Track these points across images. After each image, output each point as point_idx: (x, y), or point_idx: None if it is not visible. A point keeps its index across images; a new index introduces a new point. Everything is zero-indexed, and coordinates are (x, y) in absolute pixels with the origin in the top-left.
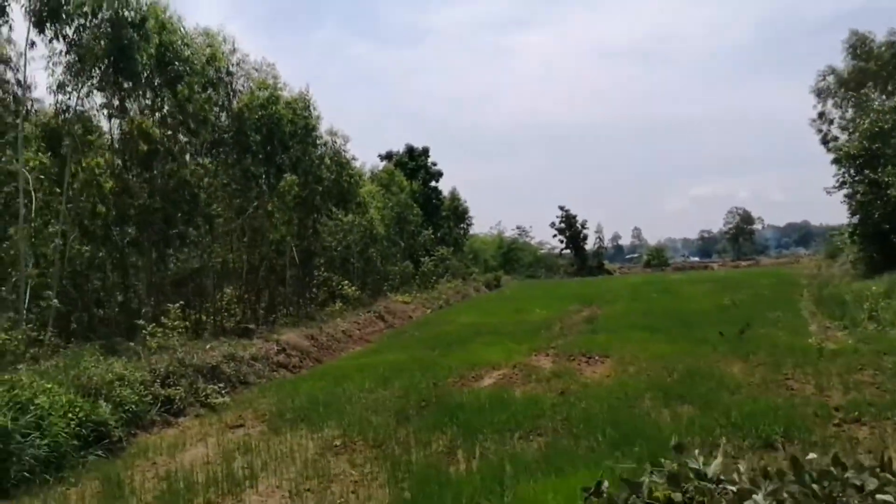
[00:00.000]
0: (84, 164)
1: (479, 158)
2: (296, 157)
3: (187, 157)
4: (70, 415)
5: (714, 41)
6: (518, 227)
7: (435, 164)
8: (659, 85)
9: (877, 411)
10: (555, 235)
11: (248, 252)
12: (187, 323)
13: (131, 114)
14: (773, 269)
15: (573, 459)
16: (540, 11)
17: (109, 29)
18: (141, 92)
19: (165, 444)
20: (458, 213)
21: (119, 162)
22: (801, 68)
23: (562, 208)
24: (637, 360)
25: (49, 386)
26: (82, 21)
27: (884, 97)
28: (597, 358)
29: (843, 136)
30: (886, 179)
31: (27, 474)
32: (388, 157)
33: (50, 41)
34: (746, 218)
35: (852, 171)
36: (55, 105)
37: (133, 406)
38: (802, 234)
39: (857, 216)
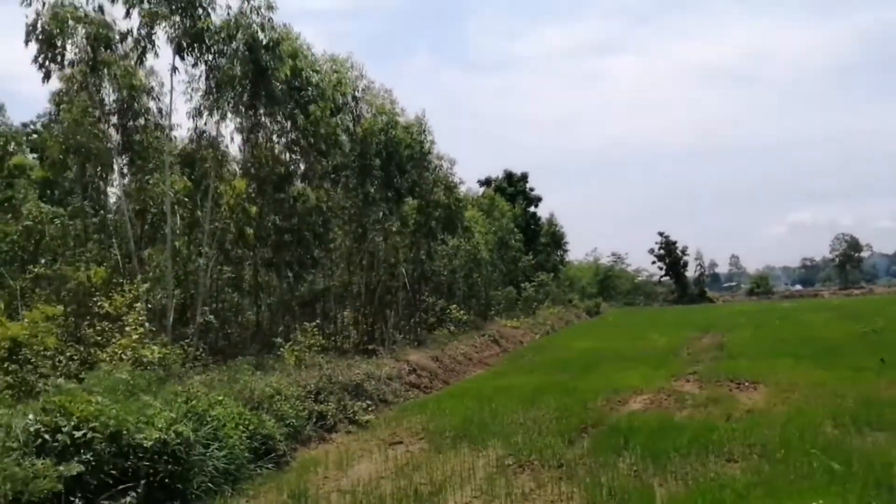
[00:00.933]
0: (224, 188)
1: (571, 183)
2: (412, 181)
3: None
4: (241, 427)
5: (811, 60)
6: (613, 254)
7: (532, 190)
8: (753, 107)
9: None
10: (654, 262)
11: (366, 275)
12: (324, 341)
13: (260, 138)
14: (892, 296)
15: (794, 487)
16: (628, 36)
17: (247, 52)
18: (273, 116)
19: (331, 459)
20: (556, 239)
21: (254, 185)
22: None
23: (661, 234)
24: (795, 386)
25: (221, 398)
26: (221, 46)
27: None
28: (747, 384)
29: None
30: None
31: (210, 485)
32: (486, 182)
33: (193, 65)
34: (854, 244)
35: None
36: (194, 130)
37: (293, 420)
38: None
39: None
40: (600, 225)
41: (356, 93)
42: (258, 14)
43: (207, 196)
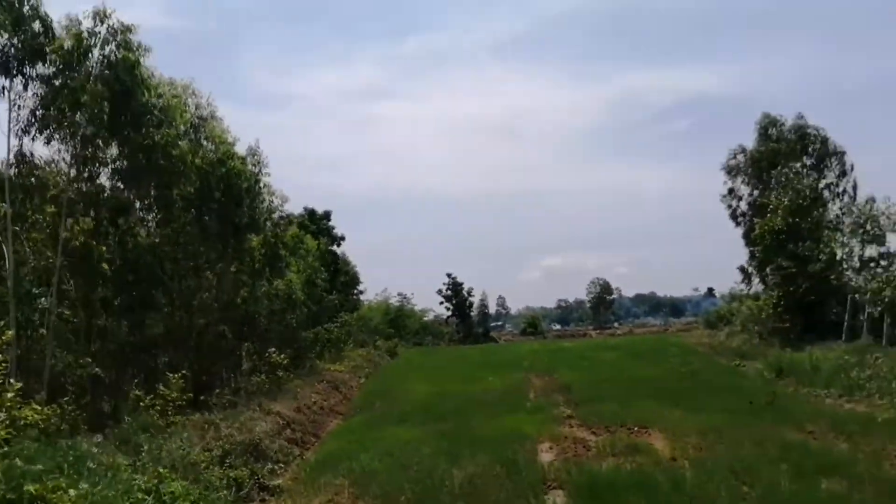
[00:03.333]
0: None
1: (351, 225)
2: (249, 216)
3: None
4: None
5: (568, 121)
6: (400, 294)
7: (334, 228)
8: (516, 160)
9: None
10: (441, 303)
11: (197, 317)
12: (190, 395)
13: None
14: (652, 336)
15: None
16: (399, 84)
17: (106, 72)
18: (110, 142)
19: None
20: (352, 279)
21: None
22: (641, 152)
23: (449, 275)
24: (689, 431)
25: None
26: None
27: (804, 174)
28: (636, 429)
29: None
30: (807, 254)
31: None
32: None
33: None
34: (606, 288)
35: (767, 246)
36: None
37: (221, 492)
38: (652, 304)
39: (777, 289)
40: (386, 266)
41: (195, 120)
42: (113, 33)
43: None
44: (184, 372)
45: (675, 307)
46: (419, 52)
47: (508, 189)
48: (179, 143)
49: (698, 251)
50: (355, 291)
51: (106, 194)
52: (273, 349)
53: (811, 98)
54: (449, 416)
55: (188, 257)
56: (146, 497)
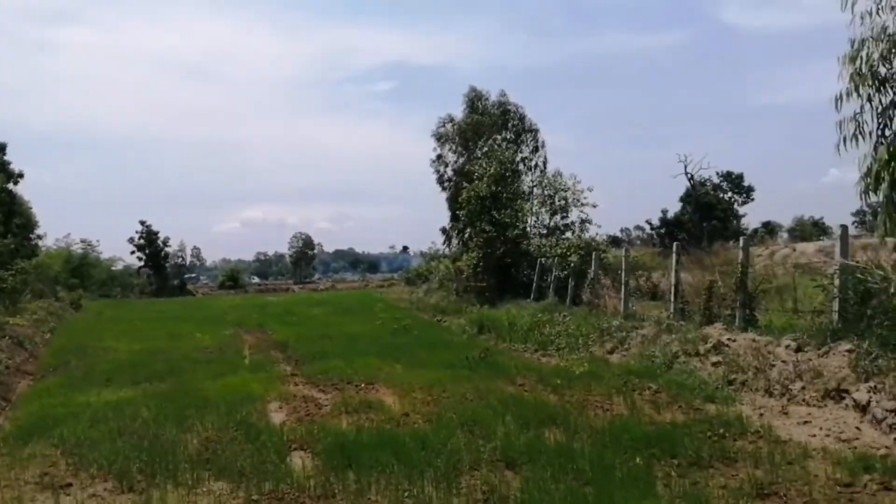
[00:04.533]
0: None
1: (27, 162)
2: None
3: None
4: None
5: (271, 70)
6: (84, 241)
7: (10, 164)
8: (212, 105)
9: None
10: (133, 252)
11: None
12: None
13: None
14: (355, 292)
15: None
16: (85, 8)
17: None
18: None
19: None
20: (29, 223)
21: None
22: (345, 109)
23: (143, 223)
24: (413, 386)
25: None
26: None
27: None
28: (364, 385)
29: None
30: (507, 220)
31: None
32: None
33: None
34: (308, 243)
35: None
36: None
37: None
38: (351, 260)
39: (478, 251)
40: (69, 210)
41: None
42: None
43: None
44: None
45: (371, 264)
46: None
47: (205, 135)
48: None
49: (394, 210)
50: (32, 236)
51: None
52: None
53: (503, 75)
54: (163, 376)
55: None
56: None
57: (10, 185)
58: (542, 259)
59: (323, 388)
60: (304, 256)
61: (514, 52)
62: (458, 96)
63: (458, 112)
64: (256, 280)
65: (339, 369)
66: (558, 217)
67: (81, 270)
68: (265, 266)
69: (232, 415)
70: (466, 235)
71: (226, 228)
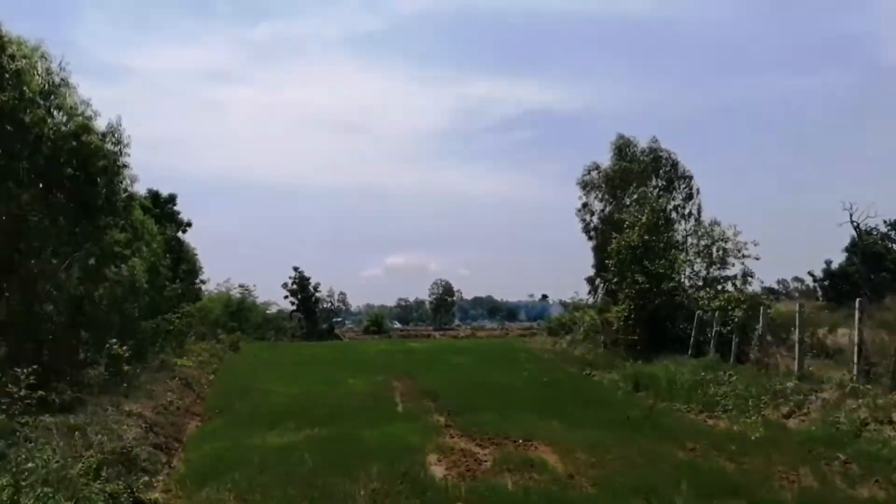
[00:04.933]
0: None
1: (192, 212)
2: (105, 198)
3: None
4: None
5: (415, 122)
6: (241, 286)
7: (179, 213)
8: (361, 157)
9: None
10: (286, 297)
11: (43, 304)
12: (41, 392)
13: None
14: (496, 340)
15: None
16: (247, 70)
17: None
18: None
19: None
20: (193, 268)
21: None
22: (485, 158)
23: (296, 269)
24: (574, 447)
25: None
26: None
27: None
28: (521, 442)
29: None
30: (661, 271)
31: None
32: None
33: None
34: (448, 290)
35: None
36: None
37: None
38: (489, 308)
39: (629, 302)
40: (228, 256)
41: (47, 87)
42: None
43: None
44: (35, 366)
45: (510, 311)
46: (271, 39)
47: (354, 185)
48: (31, 109)
49: (534, 258)
50: (197, 281)
51: None
52: (114, 340)
53: (644, 121)
54: (322, 422)
55: (32, 238)
56: None
57: (179, 234)
58: (700, 312)
59: (479, 442)
60: (444, 303)
61: (656, 98)
62: (599, 143)
63: (604, 159)
64: (398, 325)
65: (494, 423)
66: (715, 268)
67: (239, 314)
68: (406, 312)
69: (394, 466)
70: (615, 286)
71: (370, 274)
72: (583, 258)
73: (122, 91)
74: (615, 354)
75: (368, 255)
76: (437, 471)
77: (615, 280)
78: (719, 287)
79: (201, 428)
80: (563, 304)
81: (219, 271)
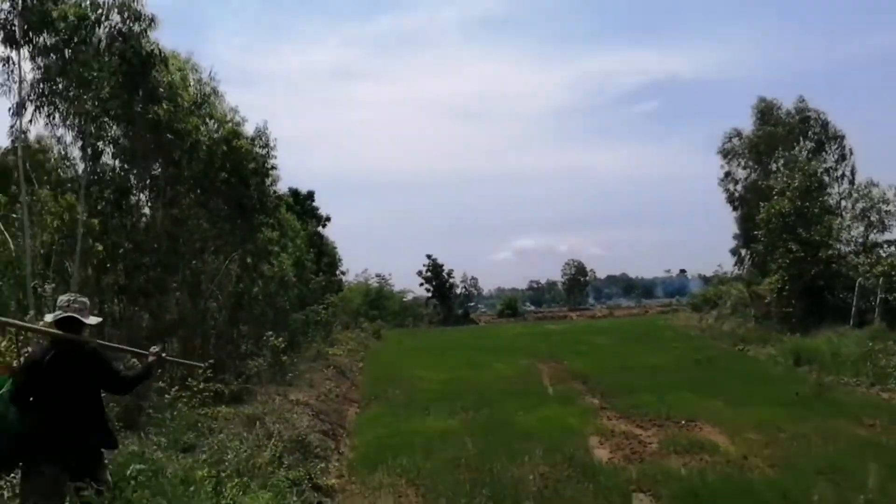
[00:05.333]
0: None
1: (326, 207)
2: (257, 198)
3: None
4: None
5: (534, 102)
6: (378, 276)
7: (318, 209)
8: (485, 141)
9: None
10: (422, 284)
11: (207, 301)
12: (219, 385)
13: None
14: (636, 319)
15: None
16: (369, 64)
17: (122, 43)
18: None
19: None
20: (333, 261)
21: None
22: (610, 134)
23: (429, 256)
24: (742, 427)
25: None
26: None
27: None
28: (684, 423)
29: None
30: (817, 238)
31: None
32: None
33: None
34: (581, 269)
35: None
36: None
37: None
38: (624, 286)
39: (783, 273)
40: (361, 247)
41: (199, 98)
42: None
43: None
44: (211, 360)
45: (646, 288)
46: (390, 32)
47: (478, 169)
48: (189, 118)
49: (668, 233)
50: (337, 273)
51: (109, 175)
52: (269, 333)
53: (794, 80)
54: (476, 407)
55: (194, 239)
56: None
57: (319, 228)
58: (861, 280)
59: (640, 423)
60: (577, 283)
61: (798, 56)
62: (734, 109)
63: (742, 125)
64: (531, 308)
65: (652, 404)
66: (875, 232)
67: (378, 302)
68: (538, 294)
69: (557, 450)
70: (765, 257)
71: (500, 258)
72: (723, 229)
73: (253, 95)
74: (768, 328)
75: (497, 239)
76: (601, 454)
77: (765, 250)
78: (882, 252)
79: (360, 414)
80: (704, 279)
81: (356, 263)
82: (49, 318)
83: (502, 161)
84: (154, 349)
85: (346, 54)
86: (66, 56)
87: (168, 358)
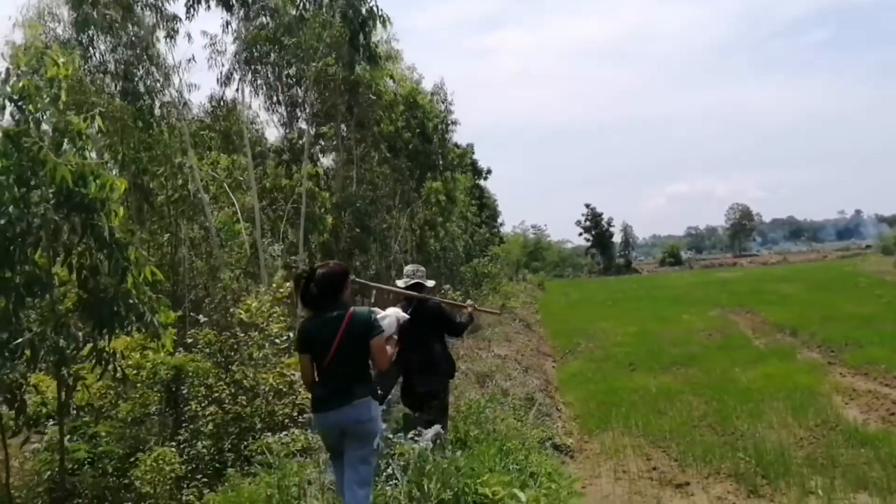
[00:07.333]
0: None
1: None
2: (437, 157)
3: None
4: None
5: (692, 39)
6: (534, 227)
7: (477, 162)
8: (634, 83)
9: None
10: (581, 234)
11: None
12: None
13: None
14: (816, 264)
15: None
16: (515, 11)
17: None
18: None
19: None
20: (493, 213)
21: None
22: (774, 68)
23: (588, 206)
24: None
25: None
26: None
27: None
28: None
29: None
30: None
31: None
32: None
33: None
34: (746, 214)
35: None
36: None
37: None
38: (793, 230)
39: None
40: (514, 198)
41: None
42: None
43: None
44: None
45: (814, 232)
46: None
47: (630, 114)
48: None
49: (838, 172)
50: (496, 225)
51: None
52: (447, 286)
53: None
54: (683, 362)
55: (381, 196)
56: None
57: (480, 181)
58: None
59: (884, 381)
60: (742, 228)
61: None
62: None
63: None
64: (691, 254)
65: (886, 359)
66: None
67: (536, 254)
68: (697, 240)
69: (801, 410)
70: None
71: (652, 205)
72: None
73: (410, 52)
74: None
75: (649, 185)
76: (852, 415)
77: None
78: None
79: (560, 369)
80: (882, 219)
81: (511, 214)
82: (400, 283)
83: (655, 104)
84: (469, 302)
85: (489, 4)
86: (293, 14)
87: (478, 308)
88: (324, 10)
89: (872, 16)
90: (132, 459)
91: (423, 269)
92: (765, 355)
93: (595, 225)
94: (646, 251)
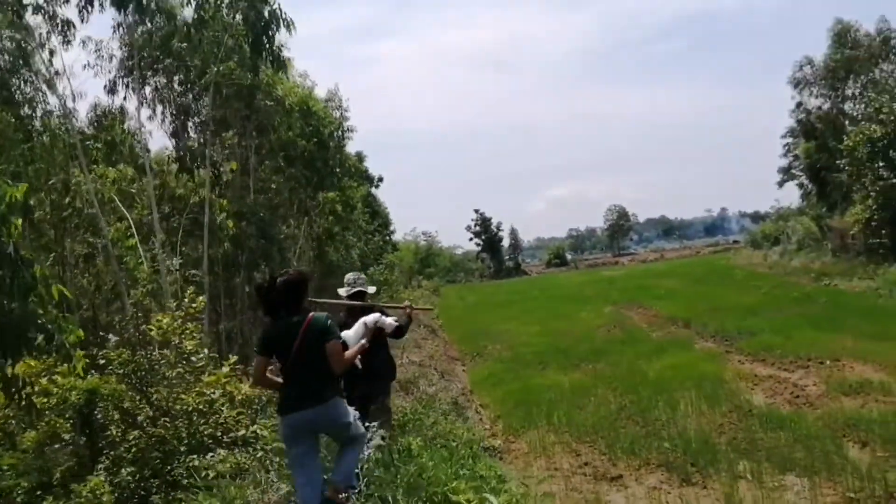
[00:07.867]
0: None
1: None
2: (332, 165)
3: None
4: None
5: (560, 46)
6: (425, 233)
7: (367, 169)
8: (509, 91)
9: None
10: (471, 239)
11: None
12: None
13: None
14: (692, 260)
15: None
16: (391, 21)
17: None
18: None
19: None
20: (384, 221)
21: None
22: (642, 73)
23: (477, 211)
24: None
25: None
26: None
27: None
28: (829, 362)
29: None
30: None
31: None
32: None
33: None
34: (623, 214)
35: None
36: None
37: None
38: (665, 229)
39: (871, 202)
40: (402, 205)
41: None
42: None
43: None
44: None
45: (684, 229)
46: None
47: (505, 121)
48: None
49: (703, 171)
50: (388, 232)
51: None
52: None
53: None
54: (589, 358)
55: (279, 207)
56: None
57: (372, 189)
58: None
59: (781, 366)
60: (620, 229)
61: None
62: (772, 40)
63: (816, 52)
64: (572, 255)
65: (779, 345)
66: None
67: (429, 260)
68: (579, 241)
69: (712, 398)
70: (850, 187)
71: (535, 208)
72: (766, 166)
73: (298, 59)
74: (850, 262)
75: (530, 190)
76: (760, 399)
77: (849, 179)
78: None
79: (471, 372)
80: (745, 215)
81: (403, 222)
82: (342, 291)
83: (529, 111)
84: (407, 303)
85: (369, 13)
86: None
87: (415, 308)
88: (223, 11)
89: (722, 25)
90: (37, 493)
91: (363, 276)
92: (664, 346)
93: (485, 230)
94: (531, 253)
